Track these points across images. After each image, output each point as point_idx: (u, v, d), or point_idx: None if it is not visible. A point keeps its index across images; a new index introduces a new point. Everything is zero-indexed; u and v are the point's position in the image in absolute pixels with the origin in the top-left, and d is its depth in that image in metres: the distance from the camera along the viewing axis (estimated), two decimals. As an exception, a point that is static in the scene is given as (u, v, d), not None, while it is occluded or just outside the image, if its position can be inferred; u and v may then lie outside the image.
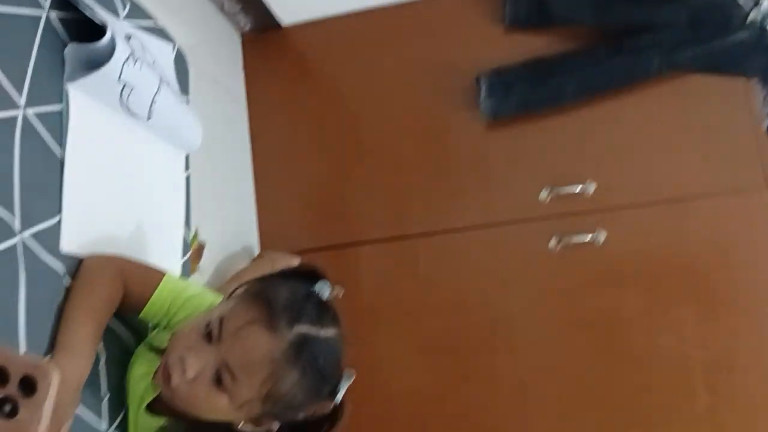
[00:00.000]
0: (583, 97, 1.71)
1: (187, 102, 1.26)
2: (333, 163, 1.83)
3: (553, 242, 1.67)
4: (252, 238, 1.74)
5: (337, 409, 0.87)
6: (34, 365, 0.49)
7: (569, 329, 1.65)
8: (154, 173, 1.12)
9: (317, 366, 0.81)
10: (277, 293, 0.84)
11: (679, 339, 1.61)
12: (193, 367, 0.81)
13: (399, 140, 1.80)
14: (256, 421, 0.86)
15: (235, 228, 1.65)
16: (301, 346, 0.80)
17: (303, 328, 0.81)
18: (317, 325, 0.82)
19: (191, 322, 0.87)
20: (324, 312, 0.86)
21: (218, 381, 0.80)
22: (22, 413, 0.48)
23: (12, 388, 0.49)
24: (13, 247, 0.75)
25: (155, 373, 0.87)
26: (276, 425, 0.87)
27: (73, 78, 0.91)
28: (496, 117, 1.73)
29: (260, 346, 0.79)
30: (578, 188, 1.69)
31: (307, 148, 1.84)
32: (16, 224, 0.76)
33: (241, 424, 0.86)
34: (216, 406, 0.82)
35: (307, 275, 0.92)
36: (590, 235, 1.66)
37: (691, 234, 1.66)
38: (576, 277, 1.67)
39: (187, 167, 1.23)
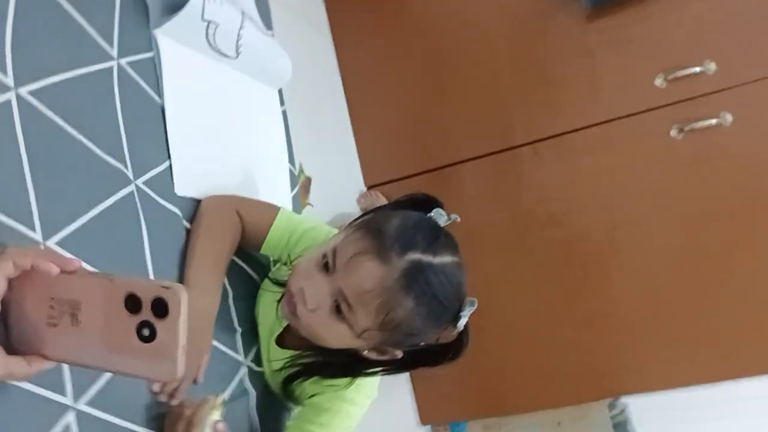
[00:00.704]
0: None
1: (272, 36, 1.24)
2: (426, 83, 1.77)
3: (674, 131, 1.55)
4: (355, 167, 1.74)
5: (461, 337, 0.86)
6: (163, 287, 0.50)
7: (698, 222, 1.54)
8: (251, 111, 1.12)
9: (432, 293, 0.79)
10: (388, 223, 0.82)
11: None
12: (312, 298, 0.81)
13: (493, 48, 1.71)
14: (379, 349, 0.86)
15: (337, 158, 1.65)
16: (413, 274, 0.78)
17: (414, 256, 0.79)
18: (429, 253, 0.80)
19: (309, 254, 0.87)
20: (437, 239, 0.83)
21: (337, 310, 0.81)
22: (160, 334, 0.50)
23: (147, 313, 0.50)
24: (131, 195, 0.77)
25: (278, 303, 0.89)
26: (399, 353, 0.87)
27: (159, 23, 0.90)
28: (597, 4, 1.59)
29: (371, 275, 0.78)
30: (697, 69, 1.54)
31: (398, 71, 1.79)
32: (130, 173, 0.78)
33: (365, 352, 0.86)
34: (337, 334, 0.82)
35: (421, 203, 0.89)
36: (715, 120, 1.52)
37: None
38: (703, 165, 1.55)
39: (282, 102, 1.23)
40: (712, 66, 1.54)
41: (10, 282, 0.52)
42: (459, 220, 0.88)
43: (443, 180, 1.75)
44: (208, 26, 0.95)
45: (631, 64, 1.60)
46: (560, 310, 1.65)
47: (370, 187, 1.79)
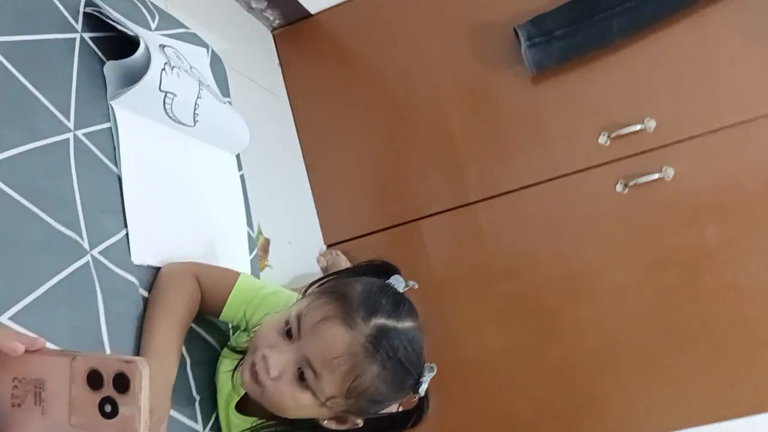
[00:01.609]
0: (630, 32, 1.64)
1: (229, 103, 1.27)
2: (383, 143, 1.82)
3: (619, 186, 1.62)
4: (314, 228, 1.76)
5: (422, 403, 0.86)
6: (124, 362, 0.51)
7: (651, 271, 1.60)
8: (209, 177, 1.13)
9: (397, 358, 0.80)
10: (351, 288, 0.83)
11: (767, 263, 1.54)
12: (276, 366, 0.81)
13: (445, 109, 1.78)
14: (341, 418, 0.85)
15: (296, 220, 1.67)
16: (380, 339, 0.79)
17: (380, 321, 0.80)
18: (394, 318, 0.81)
19: (271, 320, 0.87)
20: (400, 305, 0.84)
21: (301, 378, 0.80)
22: (123, 410, 0.50)
23: (108, 389, 0.51)
24: (86, 265, 0.77)
25: (234, 371, 0.89)
26: (360, 422, 0.86)
27: (116, 95, 0.92)
28: (540, 68, 1.67)
29: (338, 341, 0.78)
30: (637, 127, 1.62)
31: (354, 132, 1.84)
32: (85, 243, 0.78)
33: (325, 423, 0.86)
34: (300, 403, 0.82)
35: (381, 270, 0.91)
36: (657, 174, 1.60)
37: (765, 154, 1.57)
38: (649, 217, 1.62)
39: (240, 167, 1.25)
40: (652, 123, 1.62)
41: None
42: (416, 287, 0.89)
43: (403, 236, 1.78)
44: (165, 97, 0.97)
45: (576, 124, 1.67)
46: (525, 362, 1.67)
47: (330, 246, 1.80)
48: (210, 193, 1.13)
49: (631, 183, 1.61)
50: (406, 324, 0.83)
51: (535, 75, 1.69)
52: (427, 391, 0.85)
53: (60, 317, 0.71)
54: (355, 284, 0.84)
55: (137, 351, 0.81)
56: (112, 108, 0.92)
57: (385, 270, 0.91)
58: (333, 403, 0.81)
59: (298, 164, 1.79)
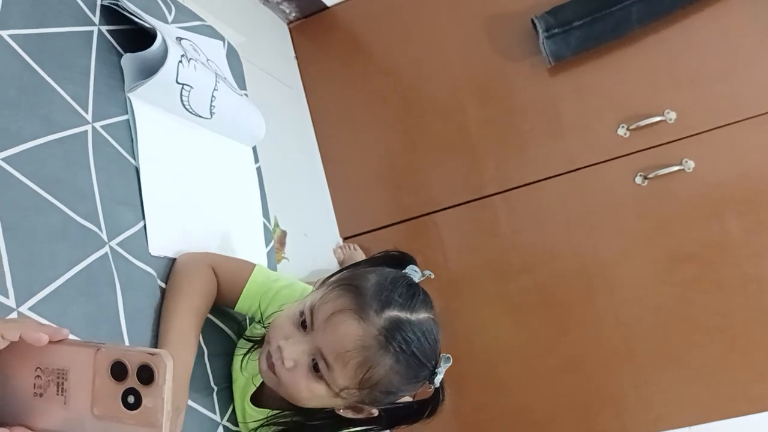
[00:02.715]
0: (649, 22, 1.62)
1: (246, 96, 1.27)
2: (399, 135, 1.81)
3: (639, 178, 1.60)
4: (330, 221, 1.76)
5: (438, 394, 0.86)
6: (149, 354, 0.51)
7: (670, 264, 1.59)
8: (226, 169, 1.14)
9: (410, 350, 0.80)
10: (365, 280, 0.83)
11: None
12: (291, 357, 0.81)
13: (462, 101, 1.77)
14: (356, 407, 0.86)
15: (312, 212, 1.67)
16: (392, 331, 0.79)
17: (393, 313, 0.80)
18: (407, 310, 0.81)
19: (286, 311, 0.87)
20: (414, 296, 0.84)
21: (315, 369, 0.81)
22: (146, 401, 0.50)
23: (132, 380, 0.51)
24: (105, 257, 0.77)
25: (245, 356, 0.90)
26: (375, 411, 0.86)
27: (133, 87, 0.92)
28: (558, 59, 1.66)
29: (351, 333, 0.78)
30: (657, 119, 1.60)
31: (370, 125, 1.83)
32: (103, 235, 0.79)
33: (341, 411, 0.86)
34: (315, 394, 0.82)
35: (396, 260, 0.91)
36: (677, 166, 1.58)
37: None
38: (669, 210, 1.60)
39: (256, 159, 1.25)
40: (672, 115, 1.60)
41: None
42: (433, 276, 0.89)
43: (419, 229, 1.78)
44: (182, 89, 0.97)
45: (595, 115, 1.66)
46: (541, 356, 1.66)
47: (346, 239, 1.80)
48: (227, 185, 1.13)
49: (651, 175, 1.59)
50: (420, 315, 0.82)
51: (552, 66, 1.67)
52: (442, 381, 0.85)
53: (78, 308, 0.71)
54: (369, 276, 0.84)
55: (155, 341, 0.81)
56: (130, 100, 0.92)
57: (400, 260, 0.90)
58: (347, 393, 0.81)
59: (314, 156, 1.79)
